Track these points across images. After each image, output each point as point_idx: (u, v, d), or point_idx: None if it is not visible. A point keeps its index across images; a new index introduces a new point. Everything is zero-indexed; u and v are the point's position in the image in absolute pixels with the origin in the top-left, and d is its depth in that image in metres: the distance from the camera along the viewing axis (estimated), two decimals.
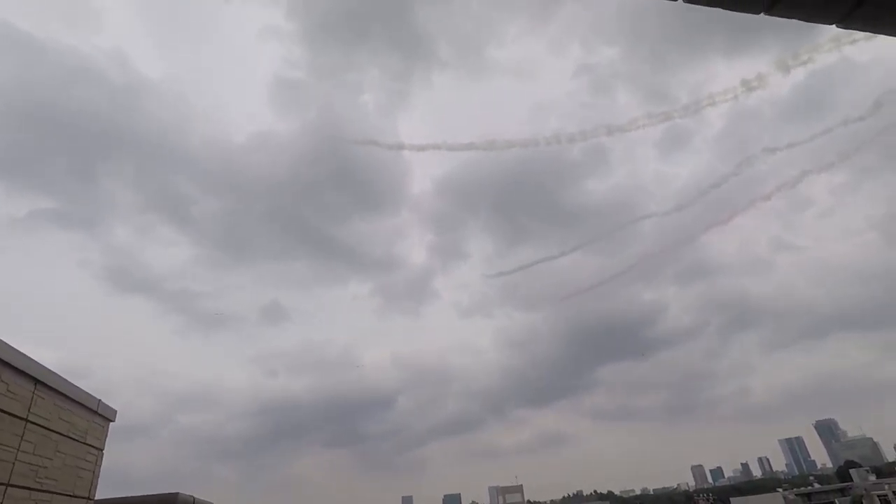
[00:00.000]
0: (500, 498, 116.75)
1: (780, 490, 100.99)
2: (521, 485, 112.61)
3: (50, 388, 4.34)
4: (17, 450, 3.94)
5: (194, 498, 9.89)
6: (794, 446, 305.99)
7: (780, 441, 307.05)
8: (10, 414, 3.85)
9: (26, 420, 4.07)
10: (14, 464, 3.91)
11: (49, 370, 4.31)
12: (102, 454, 5.40)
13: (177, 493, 9.14)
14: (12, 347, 3.74)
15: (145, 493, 9.26)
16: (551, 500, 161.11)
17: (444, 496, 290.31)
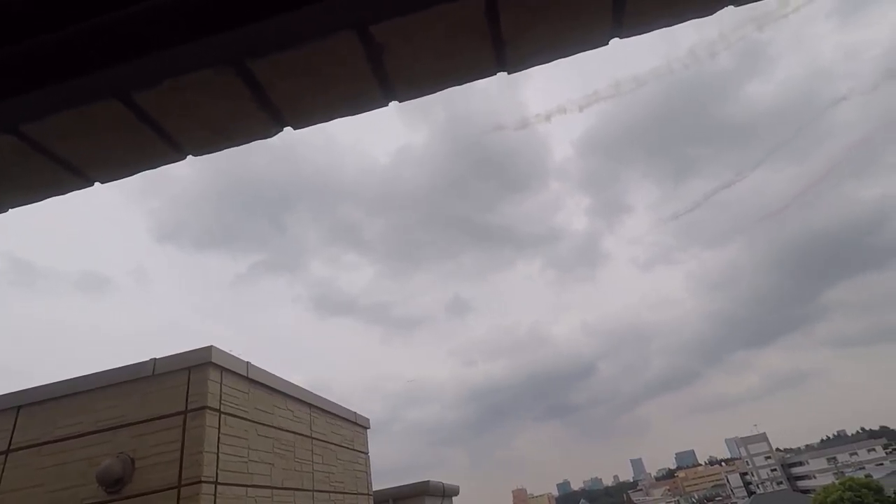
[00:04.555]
0: (742, 450, 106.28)
1: None
2: (764, 433, 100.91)
3: (320, 408, 5.29)
4: (312, 462, 4.87)
5: (443, 484, 10.78)
6: None
7: None
8: (300, 434, 4.78)
9: (311, 437, 5.01)
10: (313, 473, 4.84)
11: (315, 394, 5.24)
12: (368, 457, 6.38)
13: (428, 481, 9.96)
14: (291, 382, 4.66)
15: (399, 484, 9.47)
16: (807, 445, 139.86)
17: (676, 454, 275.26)
